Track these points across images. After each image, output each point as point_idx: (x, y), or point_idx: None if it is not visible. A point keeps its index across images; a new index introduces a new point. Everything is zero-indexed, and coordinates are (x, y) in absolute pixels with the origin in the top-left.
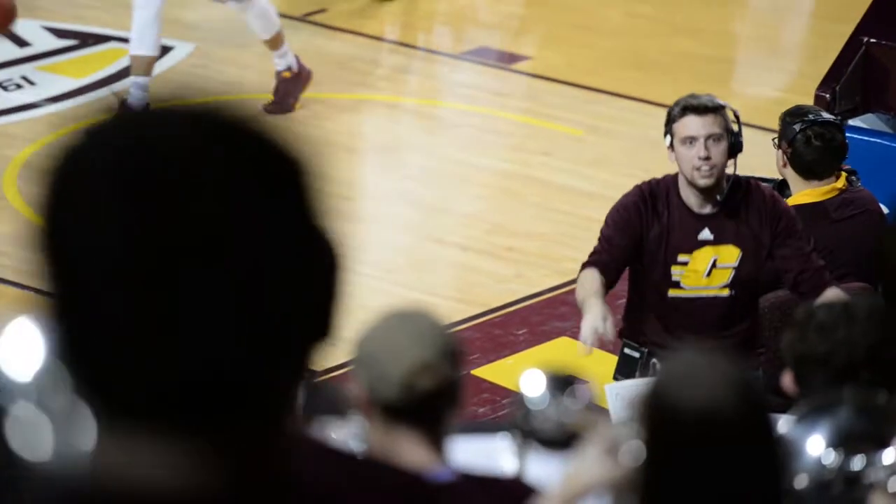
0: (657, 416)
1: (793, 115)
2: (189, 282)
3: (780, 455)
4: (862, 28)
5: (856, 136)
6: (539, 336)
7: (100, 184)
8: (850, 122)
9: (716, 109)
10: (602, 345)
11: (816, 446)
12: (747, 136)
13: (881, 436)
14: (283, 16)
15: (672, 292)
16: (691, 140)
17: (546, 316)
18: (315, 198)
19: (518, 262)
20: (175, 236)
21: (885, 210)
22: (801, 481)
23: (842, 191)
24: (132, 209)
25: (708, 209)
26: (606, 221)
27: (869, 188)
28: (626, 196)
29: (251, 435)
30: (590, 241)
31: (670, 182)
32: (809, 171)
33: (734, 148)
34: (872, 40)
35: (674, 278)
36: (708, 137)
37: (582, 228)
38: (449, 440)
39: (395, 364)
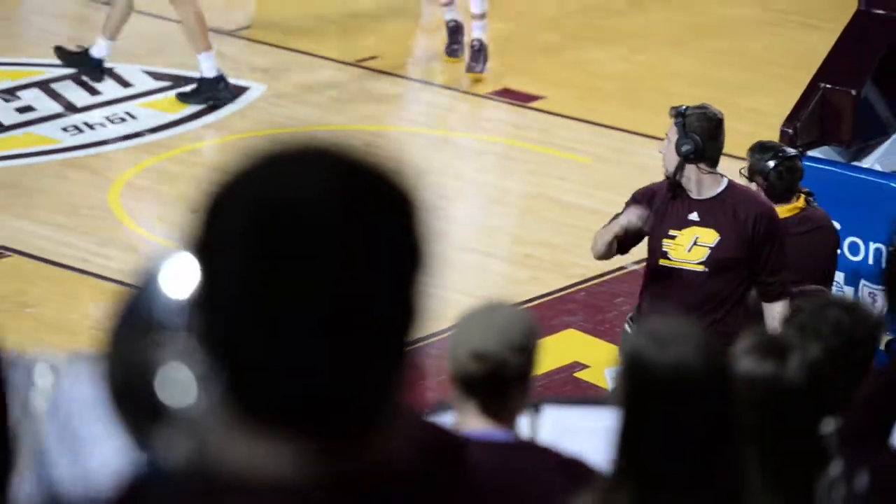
0: (633, 372)
1: (762, 153)
2: (291, 312)
3: (734, 406)
4: (820, 75)
5: (814, 164)
6: (549, 328)
7: (234, 221)
8: (809, 153)
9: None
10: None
11: None
12: (724, 165)
13: None
14: (336, 61)
15: (661, 261)
16: None
17: (556, 311)
18: (420, 233)
19: (534, 267)
20: (282, 274)
21: (837, 226)
22: None
23: (802, 209)
24: (254, 247)
25: (703, 197)
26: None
27: (824, 207)
28: (652, 183)
29: (350, 437)
30: None
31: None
32: (781, 197)
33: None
34: (828, 86)
35: (664, 248)
36: None
37: (588, 240)
38: (517, 414)
39: (459, 346)
